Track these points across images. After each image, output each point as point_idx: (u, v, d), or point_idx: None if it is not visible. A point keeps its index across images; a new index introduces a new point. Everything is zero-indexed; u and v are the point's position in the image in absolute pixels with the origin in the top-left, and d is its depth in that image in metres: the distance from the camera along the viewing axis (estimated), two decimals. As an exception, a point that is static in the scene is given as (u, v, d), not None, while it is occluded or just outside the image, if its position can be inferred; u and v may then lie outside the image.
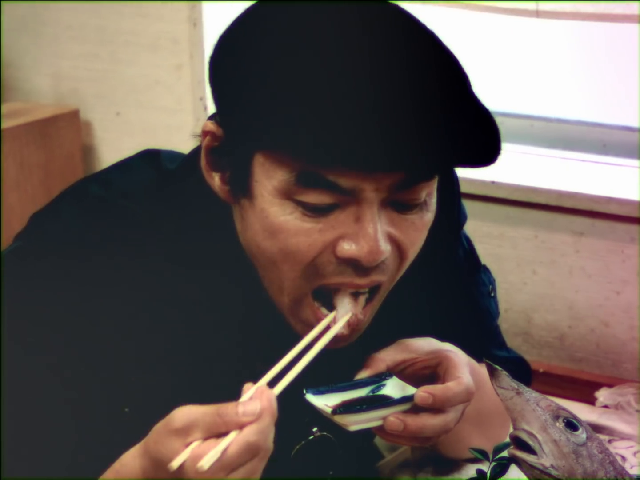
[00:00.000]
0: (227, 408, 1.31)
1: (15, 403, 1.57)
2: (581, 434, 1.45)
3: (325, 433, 1.68)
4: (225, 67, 1.42)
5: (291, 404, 1.57)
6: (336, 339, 1.45)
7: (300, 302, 1.47)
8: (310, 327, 1.46)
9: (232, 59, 1.42)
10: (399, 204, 1.41)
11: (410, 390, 1.44)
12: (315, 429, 1.66)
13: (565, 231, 2.17)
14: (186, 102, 2.39)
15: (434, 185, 1.44)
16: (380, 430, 1.42)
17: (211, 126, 1.40)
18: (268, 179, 1.40)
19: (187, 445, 1.32)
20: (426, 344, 1.52)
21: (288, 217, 1.40)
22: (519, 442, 1.43)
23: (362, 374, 1.46)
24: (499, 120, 2.33)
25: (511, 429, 1.47)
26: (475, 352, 1.71)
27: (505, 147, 2.24)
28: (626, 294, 2.15)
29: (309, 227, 1.40)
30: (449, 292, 1.75)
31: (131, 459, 1.42)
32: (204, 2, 2.37)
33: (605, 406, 2.04)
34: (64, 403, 1.57)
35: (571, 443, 1.43)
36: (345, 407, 1.41)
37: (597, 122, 2.29)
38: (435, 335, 1.63)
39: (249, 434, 1.31)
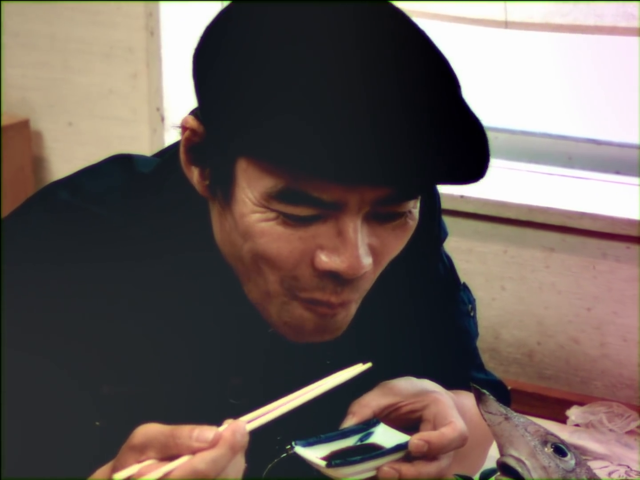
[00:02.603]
0: (182, 430, 1.28)
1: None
2: (570, 460, 1.44)
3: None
4: (209, 61, 1.40)
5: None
6: (322, 329, 1.45)
7: (288, 304, 1.43)
8: (296, 328, 1.45)
9: (217, 54, 1.40)
10: (382, 215, 1.36)
11: (402, 437, 1.41)
12: (288, 447, 1.66)
13: (536, 246, 2.18)
14: (142, 113, 2.38)
15: (418, 198, 1.39)
16: (374, 479, 1.39)
17: (192, 122, 1.37)
18: (250, 187, 1.37)
19: (141, 462, 1.29)
20: (409, 386, 1.48)
21: (270, 223, 1.37)
22: (506, 469, 1.39)
23: (349, 422, 1.44)
24: None
25: (497, 455, 1.41)
26: (454, 373, 1.72)
27: None
28: (597, 310, 2.16)
29: (289, 234, 1.37)
30: (428, 308, 1.71)
31: (101, 475, 1.40)
32: (162, 7, 2.36)
33: (577, 425, 2.05)
34: (37, 410, 1.51)
35: (560, 469, 1.40)
36: (339, 460, 1.38)
37: (562, 135, 2.30)
38: (413, 353, 1.63)
39: (197, 461, 1.28)
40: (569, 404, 2.09)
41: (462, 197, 2.08)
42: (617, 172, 2.23)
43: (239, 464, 1.29)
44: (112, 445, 1.41)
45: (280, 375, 1.59)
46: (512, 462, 1.37)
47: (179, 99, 2.37)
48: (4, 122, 2.46)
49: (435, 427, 1.40)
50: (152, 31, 2.35)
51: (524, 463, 1.35)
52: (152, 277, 1.52)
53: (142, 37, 2.37)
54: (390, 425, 1.44)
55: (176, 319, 1.54)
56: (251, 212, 1.36)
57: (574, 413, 2.07)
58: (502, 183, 2.22)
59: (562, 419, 2.06)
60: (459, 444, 1.39)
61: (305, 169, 1.30)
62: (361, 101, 1.31)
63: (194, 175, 1.41)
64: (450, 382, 1.65)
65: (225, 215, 1.43)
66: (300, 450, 1.40)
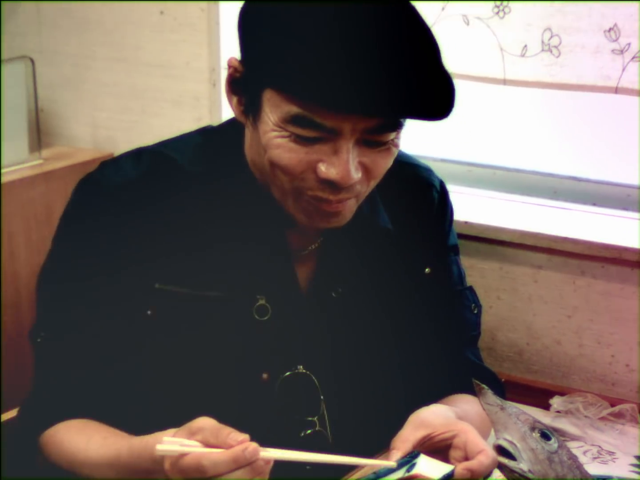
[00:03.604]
0: (225, 430, 1.33)
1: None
2: (553, 443, 1.45)
3: (320, 429, 1.66)
4: (249, 18, 1.52)
5: (293, 403, 1.65)
6: (327, 219, 1.56)
7: (300, 198, 1.53)
8: (307, 217, 1.55)
9: (255, 14, 1.51)
10: (371, 142, 1.49)
11: (443, 466, 1.41)
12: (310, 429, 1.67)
13: (526, 264, 2.16)
14: None
15: (401, 131, 1.52)
16: None
17: (234, 62, 1.53)
18: (272, 112, 1.47)
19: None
20: (436, 417, 1.50)
21: (284, 139, 1.48)
22: (501, 450, 1.43)
23: (395, 457, 1.43)
24: (467, 168, 2.35)
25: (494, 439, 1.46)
26: (452, 352, 1.78)
27: (474, 192, 2.20)
28: (576, 317, 2.14)
29: (298, 148, 1.47)
30: (438, 295, 1.77)
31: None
32: (223, 63, 2.32)
33: (558, 411, 2.03)
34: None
35: (545, 451, 1.44)
36: None
37: (548, 172, 2.28)
38: (420, 329, 1.73)
39: (205, 456, 1.30)
40: (551, 394, 2.07)
41: (466, 222, 2.07)
42: (594, 204, 2.21)
43: (233, 474, 1.30)
44: (165, 339, 1.62)
45: (298, 298, 1.69)
46: (506, 445, 1.42)
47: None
48: (95, 155, 2.46)
49: (466, 454, 1.42)
50: (214, 83, 2.35)
51: (515, 445, 1.42)
52: (204, 198, 1.63)
53: (205, 88, 2.36)
54: (425, 453, 1.44)
55: (217, 239, 1.63)
56: (271, 130, 1.48)
57: (556, 402, 2.04)
58: (499, 212, 2.20)
59: (546, 407, 2.04)
60: (493, 467, 1.41)
61: (313, 100, 1.42)
62: (356, 52, 1.41)
63: (233, 102, 1.57)
64: (448, 360, 1.76)
65: (253, 133, 1.56)
66: None
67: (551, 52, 2.11)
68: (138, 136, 2.43)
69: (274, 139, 1.48)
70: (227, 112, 2.31)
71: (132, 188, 1.61)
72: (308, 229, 1.65)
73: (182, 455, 1.30)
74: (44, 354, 1.68)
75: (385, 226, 1.69)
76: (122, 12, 2.43)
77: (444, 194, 1.78)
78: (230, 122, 1.65)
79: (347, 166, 1.46)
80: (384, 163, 1.53)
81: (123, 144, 2.43)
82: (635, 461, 1.83)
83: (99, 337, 1.62)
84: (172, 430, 1.37)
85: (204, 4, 2.29)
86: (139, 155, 1.67)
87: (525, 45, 2.12)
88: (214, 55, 2.32)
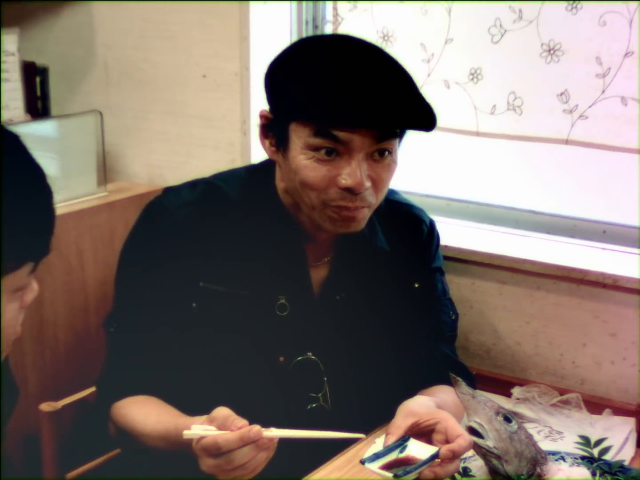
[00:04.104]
0: (233, 417, 1.38)
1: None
2: (514, 425, 1.52)
3: (323, 404, 1.73)
4: (274, 76, 1.62)
5: (302, 382, 1.71)
6: (347, 224, 1.62)
7: (325, 208, 1.60)
8: (331, 224, 1.62)
9: (278, 72, 1.61)
10: (376, 154, 1.58)
11: (429, 448, 1.44)
12: (314, 404, 1.73)
13: (493, 280, 2.16)
14: None
15: (396, 144, 1.61)
16: (417, 479, 1.43)
17: (265, 112, 1.62)
18: (298, 138, 1.56)
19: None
20: (422, 407, 1.54)
21: (309, 161, 1.56)
22: (472, 430, 1.49)
23: (390, 440, 1.47)
24: (446, 202, 2.33)
25: (466, 421, 1.52)
26: (433, 346, 1.84)
27: (451, 221, 2.22)
28: (532, 324, 2.14)
29: (321, 167, 1.56)
30: (425, 306, 1.84)
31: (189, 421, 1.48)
32: (252, 115, 2.33)
33: (518, 399, 2.03)
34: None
35: (507, 431, 1.50)
36: (401, 471, 1.39)
37: (511, 206, 2.27)
38: (407, 329, 1.80)
39: (219, 437, 1.36)
40: (512, 384, 2.07)
41: (445, 246, 2.06)
42: (548, 232, 2.22)
43: (247, 457, 1.36)
44: (206, 327, 1.68)
45: (311, 299, 1.73)
46: (476, 426, 1.49)
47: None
48: (149, 189, 2.44)
49: (447, 437, 1.46)
50: (245, 132, 2.35)
51: (483, 427, 1.48)
52: (242, 219, 1.69)
53: (238, 136, 2.36)
54: (414, 437, 1.48)
55: (250, 250, 1.69)
56: (299, 154, 1.56)
57: (516, 391, 2.05)
58: (471, 237, 2.21)
59: (508, 395, 2.04)
60: (469, 447, 1.45)
61: (328, 121, 1.53)
62: (355, 84, 1.53)
63: (266, 144, 1.64)
64: (429, 355, 1.80)
65: (284, 165, 1.62)
66: (370, 465, 1.42)
67: (515, 110, 2.13)
68: (183, 174, 2.37)
69: (302, 161, 1.56)
70: (255, 155, 2.34)
71: (187, 209, 1.68)
72: (323, 244, 1.72)
73: (202, 437, 1.37)
74: (114, 341, 1.73)
75: (382, 247, 1.76)
76: (172, 75, 2.43)
77: (432, 228, 1.85)
78: (265, 163, 1.72)
79: (359, 175, 1.55)
80: (387, 177, 1.61)
81: (171, 180, 2.41)
82: (578, 439, 1.83)
83: (157, 327, 1.67)
84: (200, 418, 1.43)
85: (237, 69, 2.30)
86: (195, 184, 1.74)
87: (494, 105, 2.15)
88: (244, 110, 2.33)
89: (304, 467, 1.63)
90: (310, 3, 2.36)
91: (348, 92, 1.52)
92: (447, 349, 1.85)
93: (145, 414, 1.62)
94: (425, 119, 1.57)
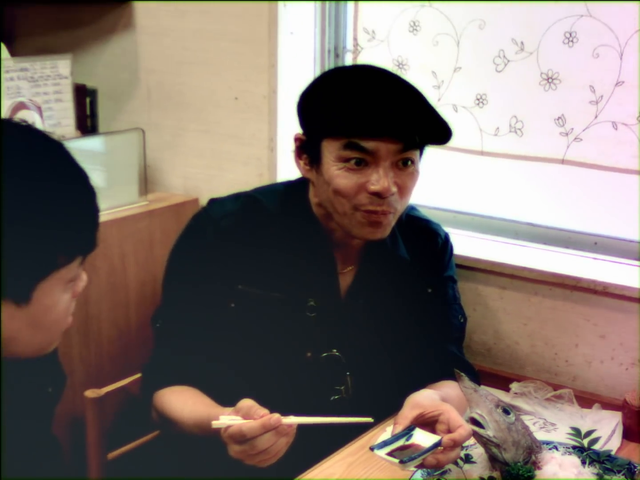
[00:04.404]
0: (255, 407, 1.39)
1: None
2: (512, 417, 1.51)
3: (345, 395, 1.72)
4: (306, 102, 1.64)
5: (327, 376, 1.71)
6: (374, 230, 1.63)
7: (355, 214, 1.59)
8: (360, 230, 1.62)
9: (309, 98, 1.64)
10: (400, 163, 1.59)
11: (432, 437, 1.44)
12: (336, 395, 1.73)
13: (494, 286, 2.16)
14: None
15: (417, 155, 1.62)
16: (421, 465, 1.43)
17: (299, 135, 1.63)
18: (330, 153, 1.57)
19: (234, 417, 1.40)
20: (427, 400, 1.54)
21: (340, 171, 1.57)
22: (474, 421, 1.49)
23: (397, 430, 1.47)
24: (453, 215, 2.31)
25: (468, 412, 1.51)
26: (439, 346, 1.83)
27: (458, 232, 2.21)
28: (530, 325, 2.14)
29: (351, 175, 1.57)
30: (437, 309, 1.84)
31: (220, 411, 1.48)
32: (279, 131, 2.33)
33: (516, 393, 2.02)
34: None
35: (506, 422, 1.49)
36: (407, 458, 1.39)
37: (512, 219, 2.25)
38: (420, 330, 1.80)
39: (244, 425, 1.37)
40: (511, 380, 2.07)
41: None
42: (545, 243, 2.21)
43: (269, 443, 1.37)
44: (242, 325, 1.68)
45: (337, 302, 1.73)
46: (477, 417, 1.48)
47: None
48: (185, 199, 2.45)
49: (449, 427, 1.46)
50: (271, 149, 2.35)
51: (484, 418, 1.48)
52: (278, 229, 1.70)
53: (265, 153, 2.36)
54: (419, 427, 1.48)
55: (285, 257, 1.69)
56: (331, 166, 1.56)
57: (514, 386, 2.05)
58: (475, 247, 2.20)
59: (507, 390, 2.04)
60: (469, 437, 1.44)
61: (356, 133, 1.55)
62: (378, 100, 1.56)
63: (300, 164, 1.65)
64: (439, 353, 1.79)
65: (318, 179, 1.63)
66: (378, 451, 1.42)
67: (516, 133, 2.13)
68: (216, 186, 2.44)
69: (334, 171, 1.57)
70: (280, 169, 2.35)
71: (229, 219, 1.70)
72: (350, 253, 1.74)
73: (229, 426, 1.38)
74: (160, 336, 1.74)
75: (403, 256, 1.77)
76: (207, 97, 2.43)
77: (446, 241, 1.87)
78: (301, 180, 1.73)
79: (386, 180, 1.57)
80: (410, 184, 1.63)
81: (205, 191, 2.46)
82: (570, 430, 1.78)
83: (198, 324, 1.69)
84: (227, 409, 1.44)
85: (266, 92, 2.30)
86: (238, 197, 1.76)
87: (498, 127, 2.15)
88: (272, 129, 2.33)
89: (320, 454, 1.65)
90: (333, 33, 2.36)
91: (373, 107, 1.55)
92: (455, 349, 1.86)
93: (183, 402, 1.63)
94: (441, 129, 1.60)
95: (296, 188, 1.74)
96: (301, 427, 1.42)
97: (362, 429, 1.70)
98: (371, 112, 1.54)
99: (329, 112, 1.58)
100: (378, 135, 1.55)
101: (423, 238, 1.83)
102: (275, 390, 1.58)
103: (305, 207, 1.70)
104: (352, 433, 1.69)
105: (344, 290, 1.75)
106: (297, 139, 1.66)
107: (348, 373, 1.73)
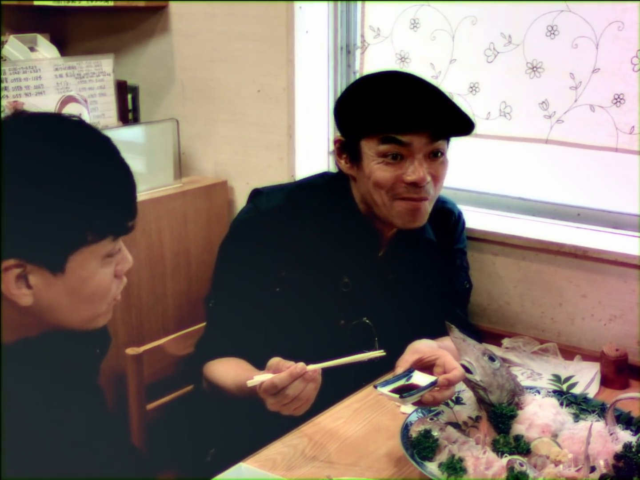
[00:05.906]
0: (284, 362, 1.40)
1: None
2: (497, 363, 1.52)
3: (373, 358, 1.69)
4: (343, 107, 1.64)
5: (358, 341, 1.71)
6: (413, 219, 1.62)
7: (394, 204, 1.60)
8: (400, 218, 1.61)
9: (346, 103, 1.64)
10: (432, 154, 1.60)
11: (430, 377, 1.45)
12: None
13: (488, 253, 2.17)
14: (284, 178, 2.37)
15: (446, 146, 1.62)
16: (419, 402, 1.45)
17: (338, 137, 1.64)
18: (368, 149, 1.58)
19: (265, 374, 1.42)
20: (426, 346, 1.54)
21: (380, 164, 1.58)
22: (463, 367, 1.49)
23: (398, 371, 1.48)
24: (453, 192, 2.27)
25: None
26: (447, 308, 1.84)
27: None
28: (519, 287, 2.14)
29: (389, 168, 1.58)
30: (445, 274, 1.86)
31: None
32: (297, 120, 2.34)
33: (507, 347, 2.04)
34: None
35: (491, 368, 1.50)
36: (406, 393, 1.40)
37: (504, 194, 2.22)
38: (433, 295, 1.80)
39: (274, 377, 1.39)
40: (503, 336, 2.09)
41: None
42: (533, 215, 2.20)
43: (298, 389, 1.37)
44: (285, 304, 1.68)
45: (370, 279, 1.74)
46: (466, 364, 1.49)
47: (303, 172, 2.34)
48: (215, 181, 2.45)
49: (445, 370, 1.47)
50: (290, 135, 2.37)
51: (472, 364, 1.49)
52: (319, 221, 1.69)
53: (285, 139, 2.37)
54: (418, 369, 1.49)
55: (327, 246, 1.69)
56: (371, 161, 1.57)
57: (505, 341, 2.06)
58: (470, 219, 2.13)
59: (499, 344, 2.05)
60: (461, 378, 1.45)
61: (392, 128, 1.55)
62: (409, 99, 1.56)
63: (341, 162, 1.65)
64: (446, 314, 1.79)
65: (359, 175, 1.63)
66: (381, 389, 1.42)
67: (505, 116, 2.13)
68: (243, 170, 2.46)
69: (374, 165, 1.59)
70: (298, 153, 2.34)
71: (275, 211, 1.70)
72: (385, 239, 1.74)
73: (262, 382, 1.41)
74: (212, 314, 1.77)
75: (430, 238, 1.79)
76: (234, 90, 2.45)
77: (459, 217, 1.90)
78: (338, 175, 1.73)
79: (421, 170, 1.58)
80: (442, 172, 1.65)
81: (233, 174, 2.48)
82: (552, 377, 1.86)
83: (247, 305, 1.71)
84: (260, 372, 1.48)
85: (285, 85, 2.32)
86: (282, 190, 1.76)
87: (489, 112, 2.15)
88: (290, 118, 2.33)
89: (335, 399, 1.68)
90: (344, 31, 2.37)
91: (405, 104, 1.57)
92: (460, 311, 1.90)
93: (227, 370, 1.66)
94: (465, 122, 1.62)
95: (337, 183, 1.74)
96: (325, 379, 1.44)
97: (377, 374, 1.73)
98: (405, 109, 1.56)
99: (367, 112, 1.59)
100: (412, 129, 1.56)
101: (440, 217, 1.85)
102: (311, 355, 1.59)
103: (349, 202, 1.70)
104: (361, 383, 1.72)
105: (376, 269, 1.77)
106: (336, 141, 1.68)
107: (376, 338, 1.76)
